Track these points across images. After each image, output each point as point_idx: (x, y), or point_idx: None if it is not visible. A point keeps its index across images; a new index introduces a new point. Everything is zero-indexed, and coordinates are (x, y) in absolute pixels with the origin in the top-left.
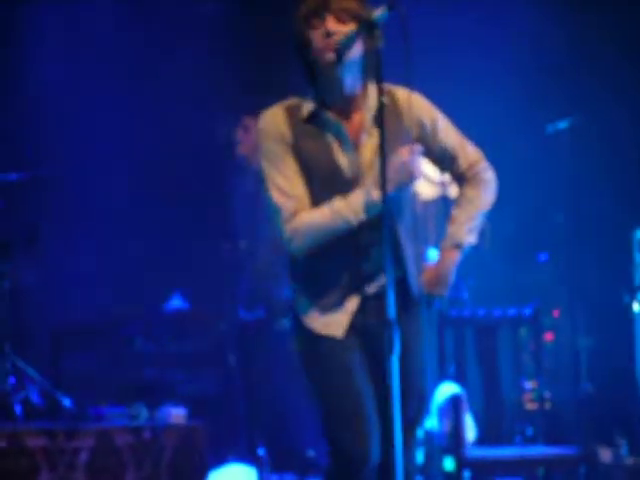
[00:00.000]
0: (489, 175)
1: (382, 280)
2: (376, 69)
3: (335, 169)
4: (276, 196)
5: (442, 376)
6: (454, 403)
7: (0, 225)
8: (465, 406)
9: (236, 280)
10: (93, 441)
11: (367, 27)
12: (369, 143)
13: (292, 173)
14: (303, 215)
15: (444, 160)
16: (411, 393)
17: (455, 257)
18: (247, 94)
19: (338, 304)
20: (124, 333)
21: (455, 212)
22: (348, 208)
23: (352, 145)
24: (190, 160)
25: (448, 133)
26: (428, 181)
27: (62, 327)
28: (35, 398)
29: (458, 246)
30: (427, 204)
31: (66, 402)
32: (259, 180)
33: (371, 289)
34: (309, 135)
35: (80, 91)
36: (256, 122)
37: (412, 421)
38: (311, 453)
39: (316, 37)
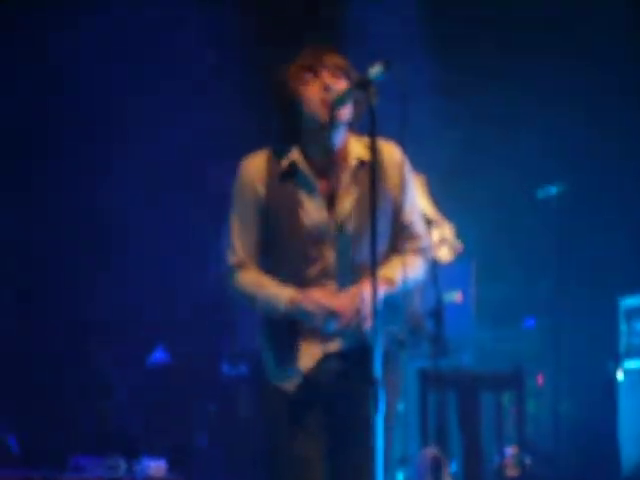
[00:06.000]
0: (426, 256)
1: (345, 339)
2: (371, 127)
3: (299, 229)
4: (225, 251)
5: (424, 438)
6: (435, 466)
7: None
8: (446, 469)
9: (220, 336)
10: None
11: (362, 85)
12: (345, 201)
13: (248, 235)
14: (246, 276)
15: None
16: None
17: (383, 287)
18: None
19: (295, 358)
20: (105, 383)
21: (391, 261)
22: (276, 300)
23: (324, 203)
24: (182, 208)
25: (413, 208)
26: (448, 245)
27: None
28: (13, 444)
29: (388, 281)
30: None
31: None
32: None
33: (332, 347)
34: (282, 193)
35: None
36: None
37: None
38: None
39: (311, 92)
